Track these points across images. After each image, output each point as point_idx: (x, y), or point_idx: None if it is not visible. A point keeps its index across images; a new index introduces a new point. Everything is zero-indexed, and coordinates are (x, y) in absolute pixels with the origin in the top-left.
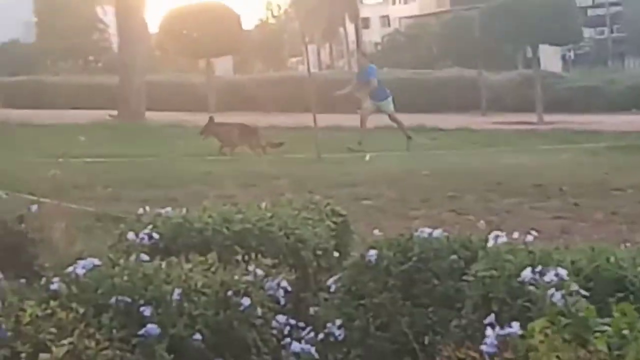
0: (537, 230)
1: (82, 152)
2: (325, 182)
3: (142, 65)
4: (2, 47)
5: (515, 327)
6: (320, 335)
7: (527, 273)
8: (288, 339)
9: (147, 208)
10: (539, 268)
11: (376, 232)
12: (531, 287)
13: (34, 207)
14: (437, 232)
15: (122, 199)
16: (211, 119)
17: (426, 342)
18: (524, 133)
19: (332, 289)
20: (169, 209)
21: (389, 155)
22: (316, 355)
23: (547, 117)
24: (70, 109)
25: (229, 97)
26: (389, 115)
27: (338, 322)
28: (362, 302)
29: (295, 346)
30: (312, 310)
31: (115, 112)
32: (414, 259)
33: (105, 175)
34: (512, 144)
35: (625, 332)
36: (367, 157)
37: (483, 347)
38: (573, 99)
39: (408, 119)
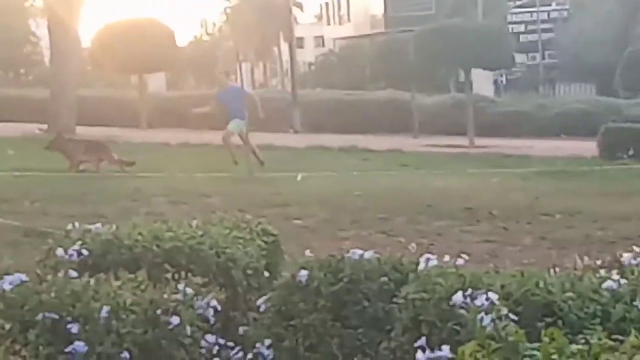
0: (466, 254)
1: (11, 166)
2: (256, 201)
3: (73, 80)
4: None
5: (445, 351)
6: (249, 355)
7: (458, 297)
8: (217, 359)
9: (77, 224)
10: (469, 292)
11: (307, 252)
12: (462, 311)
13: None
14: (368, 254)
15: (50, 214)
16: (59, 134)
17: None
18: (455, 156)
19: (262, 309)
20: (98, 225)
21: (320, 176)
22: None
23: (479, 141)
24: (0, 121)
25: (161, 113)
26: (226, 135)
27: (267, 342)
28: (291, 322)
29: None
30: (241, 329)
31: (45, 126)
32: (345, 280)
33: (33, 189)
34: (443, 167)
35: (554, 357)
36: (299, 177)
37: None
38: (504, 124)
39: (340, 140)
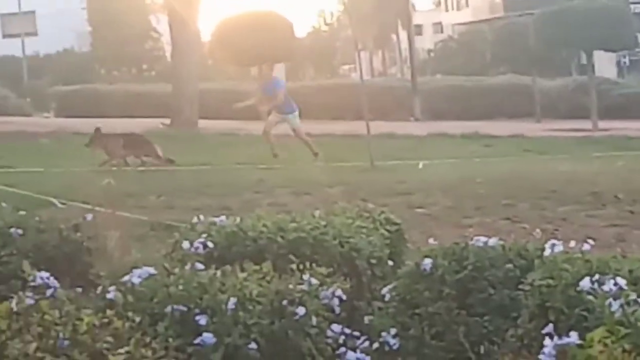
0: (592, 239)
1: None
2: (378, 190)
3: (195, 74)
4: (57, 56)
5: (574, 337)
6: (375, 345)
7: (585, 282)
8: (343, 348)
9: (201, 217)
10: (597, 277)
11: (431, 240)
12: (589, 297)
13: (89, 216)
14: (492, 241)
15: (175, 207)
16: (97, 129)
17: (482, 351)
18: (578, 140)
19: (387, 298)
20: (223, 217)
21: (442, 163)
22: None
23: (602, 124)
24: (124, 117)
25: None
26: (294, 130)
27: (393, 331)
28: (416, 311)
29: (351, 355)
30: (366, 319)
31: (168, 121)
32: (469, 267)
33: (158, 183)
34: (566, 151)
35: None
36: (421, 165)
37: (541, 357)
38: (628, 105)
39: (461, 126)
